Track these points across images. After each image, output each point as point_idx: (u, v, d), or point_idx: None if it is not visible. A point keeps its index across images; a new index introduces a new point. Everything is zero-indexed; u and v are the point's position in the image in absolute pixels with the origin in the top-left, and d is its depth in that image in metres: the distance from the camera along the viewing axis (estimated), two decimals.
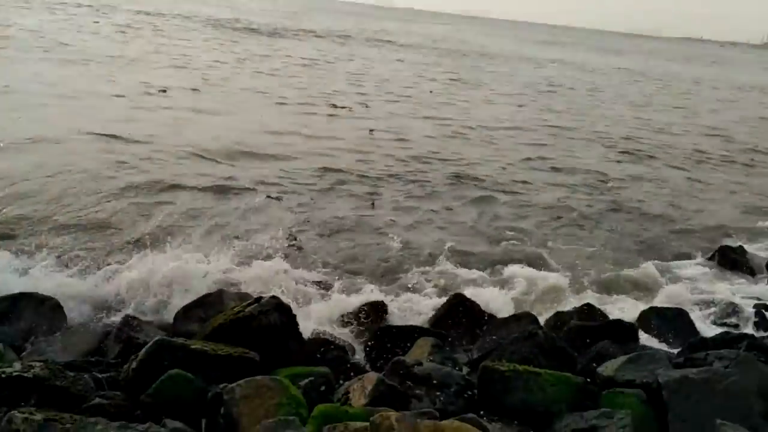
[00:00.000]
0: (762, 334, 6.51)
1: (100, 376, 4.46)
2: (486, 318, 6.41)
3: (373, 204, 10.35)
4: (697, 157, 17.20)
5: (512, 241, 9.36)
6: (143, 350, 4.34)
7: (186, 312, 5.79)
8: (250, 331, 4.76)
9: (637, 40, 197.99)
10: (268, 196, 9.96)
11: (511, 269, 8.16)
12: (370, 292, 7.16)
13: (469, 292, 6.95)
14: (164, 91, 17.64)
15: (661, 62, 70.64)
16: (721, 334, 6.12)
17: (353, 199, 10.52)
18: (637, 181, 13.80)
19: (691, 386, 4.23)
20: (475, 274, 8.01)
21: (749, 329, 6.77)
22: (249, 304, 4.94)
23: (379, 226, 9.47)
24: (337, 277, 7.50)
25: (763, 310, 6.95)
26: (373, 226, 9.43)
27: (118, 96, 16.32)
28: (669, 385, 4.26)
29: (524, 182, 12.66)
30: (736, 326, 6.86)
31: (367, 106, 19.39)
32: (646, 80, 43.13)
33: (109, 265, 7.02)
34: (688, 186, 13.95)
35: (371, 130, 15.64)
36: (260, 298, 5.13)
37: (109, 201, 8.99)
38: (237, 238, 8.19)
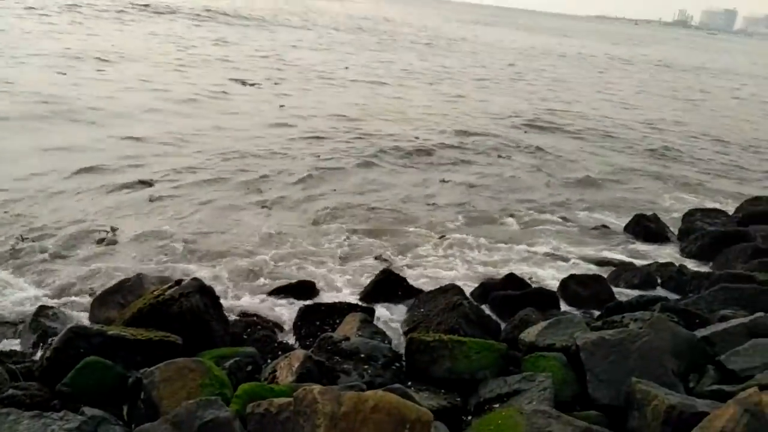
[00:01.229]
0: (675, 296, 6.85)
1: (14, 367, 4.26)
2: (414, 292, 6.48)
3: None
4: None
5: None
6: (57, 338, 4.15)
7: (103, 298, 5.56)
8: (171, 315, 4.62)
9: (559, 18, 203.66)
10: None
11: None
12: (299, 271, 7.13)
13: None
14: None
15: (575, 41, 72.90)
16: (636, 297, 6.41)
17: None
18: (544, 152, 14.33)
19: (607, 347, 4.40)
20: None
21: (663, 292, 7.11)
22: (169, 287, 4.79)
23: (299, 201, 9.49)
24: (267, 258, 7.41)
25: (676, 274, 7.30)
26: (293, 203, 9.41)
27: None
28: (586, 347, 4.41)
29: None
30: (652, 289, 7.20)
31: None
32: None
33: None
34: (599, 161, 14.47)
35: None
36: (181, 280, 4.99)
37: None
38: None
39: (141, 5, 39.71)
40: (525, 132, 16.55)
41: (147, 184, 9.43)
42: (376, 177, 11.17)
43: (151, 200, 8.85)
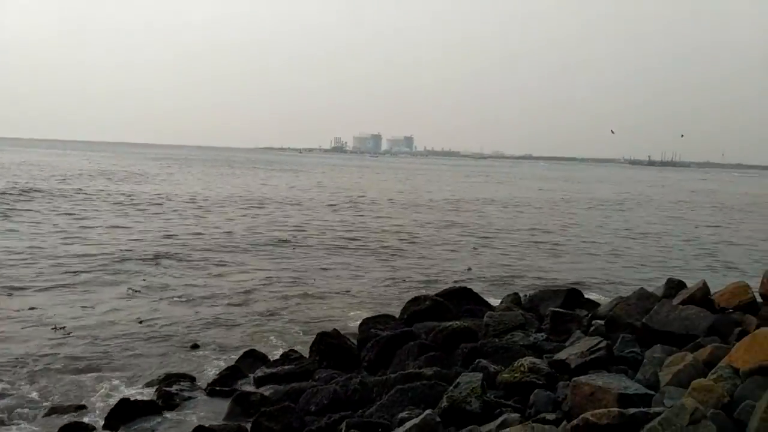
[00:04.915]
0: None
1: None
2: None
3: None
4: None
5: None
6: None
7: None
8: None
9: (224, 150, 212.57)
10: None
11: None
12: None
13: None
14: None
15: None
16: (325, 419, 6.46)
17: None
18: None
19: None
20: None
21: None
22: None
23: None
24: None
25: (359, 386, 7.62)
26: None
27: None
28: None
29: None
30: (342, 407, 7.36)
31: None
32: None
33: None
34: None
35: None
36: None
37: None
38: None
39: None
40: None
41: None
42: None
43: None
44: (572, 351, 7.43)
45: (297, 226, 25.62)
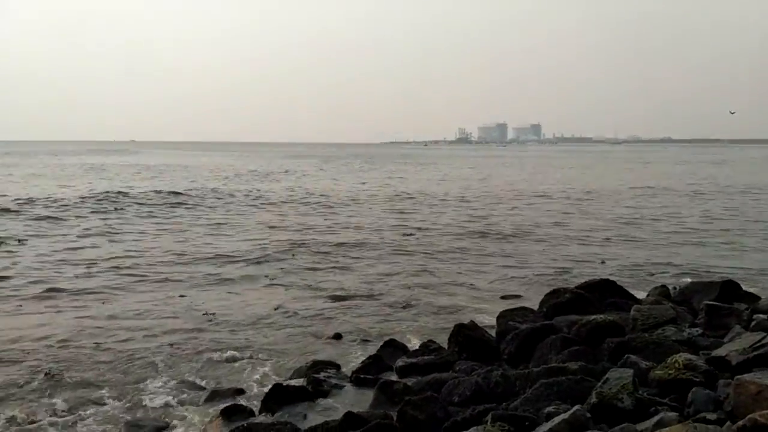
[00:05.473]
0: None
1: None
2: None
3: None
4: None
5: None
6: None
7: None
8: None
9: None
10: None
11: None
12: None
13: None
14: None
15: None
16: (470, 411, 6.51)
17: None
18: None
19: None
20: None
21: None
22: None
23: None
24: None
25: (501, 378, 7.59)
26: None
27: None
28: None
29: None
30: (485, 399, 7.38)
31: None
32: None
33: None
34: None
35: None
36: None
37: None
38: None
39: None
40: None
41: None
42: None
43: None
44: (732, 347, 6.96)
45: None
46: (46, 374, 8.63)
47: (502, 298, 12.99)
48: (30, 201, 29.74)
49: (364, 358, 9.07)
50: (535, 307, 10.59)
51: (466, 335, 9.45)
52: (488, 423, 5.76)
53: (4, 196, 31.92)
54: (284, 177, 55.60)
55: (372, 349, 9.57)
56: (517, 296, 13.10)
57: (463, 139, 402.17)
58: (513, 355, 8.86)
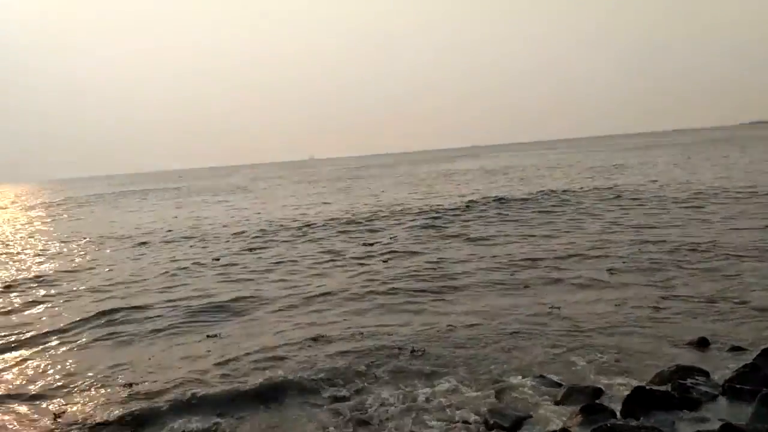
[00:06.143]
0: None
1: None
2: None
3: None
4: None
5: None
6: None
7: None
8: None
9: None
10: None
11: None
12: None
13: None
14: None
15: None
16: None
17: None
18: None
19: None
20: None
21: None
22: None
23: None
24: None
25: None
26: None
27: None
28: None
29: None
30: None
31: None
32: None
33: None
34: None
35: None
36: None
37: None
38: None
39: None
40: None
41: None
42: None
43: None
44: None
45: None
46: (411, 351, 9.78)
47: None
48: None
49: (737, 367, 8.07)
50: None
51: None
52: None
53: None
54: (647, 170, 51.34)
55: (747, 357, 8.47)
56: None
57: None
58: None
